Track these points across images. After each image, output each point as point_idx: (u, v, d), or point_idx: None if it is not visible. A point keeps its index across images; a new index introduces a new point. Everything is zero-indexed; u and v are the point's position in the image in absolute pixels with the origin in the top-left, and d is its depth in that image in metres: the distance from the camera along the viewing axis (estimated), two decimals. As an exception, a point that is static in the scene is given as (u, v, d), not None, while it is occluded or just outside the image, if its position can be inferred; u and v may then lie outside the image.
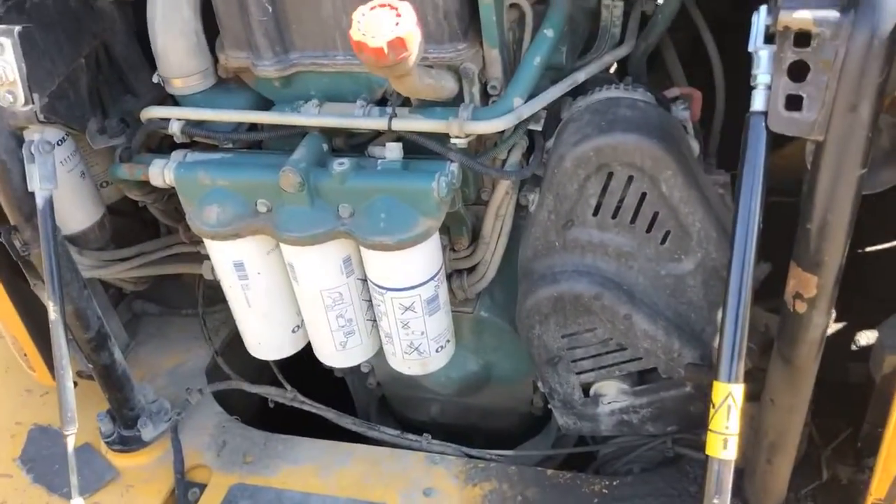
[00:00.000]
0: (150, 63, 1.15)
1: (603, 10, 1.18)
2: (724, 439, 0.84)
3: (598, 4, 1.18)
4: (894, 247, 1.44)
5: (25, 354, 1.37)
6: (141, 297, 1.64)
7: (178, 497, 1.27)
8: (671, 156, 1.01)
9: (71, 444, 1.09)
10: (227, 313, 1.36)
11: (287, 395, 1.45)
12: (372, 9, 0.80)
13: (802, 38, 0.76)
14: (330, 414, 1.45)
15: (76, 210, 1.25)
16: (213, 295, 1.50)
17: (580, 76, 1.11)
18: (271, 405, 1.48)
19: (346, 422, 1.43)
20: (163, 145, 1.26)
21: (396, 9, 0.80)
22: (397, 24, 0.79)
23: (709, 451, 0.85)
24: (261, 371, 1.48)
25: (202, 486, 1.29)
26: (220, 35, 1.10)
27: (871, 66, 0.73)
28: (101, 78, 1.18)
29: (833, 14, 0.74)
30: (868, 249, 1.47)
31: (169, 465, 1.31)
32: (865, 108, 0.76)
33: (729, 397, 0.85)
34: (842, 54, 0.74)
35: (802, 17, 0.75)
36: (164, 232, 1.45)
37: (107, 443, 1.33)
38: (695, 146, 1.13)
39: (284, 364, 1.41)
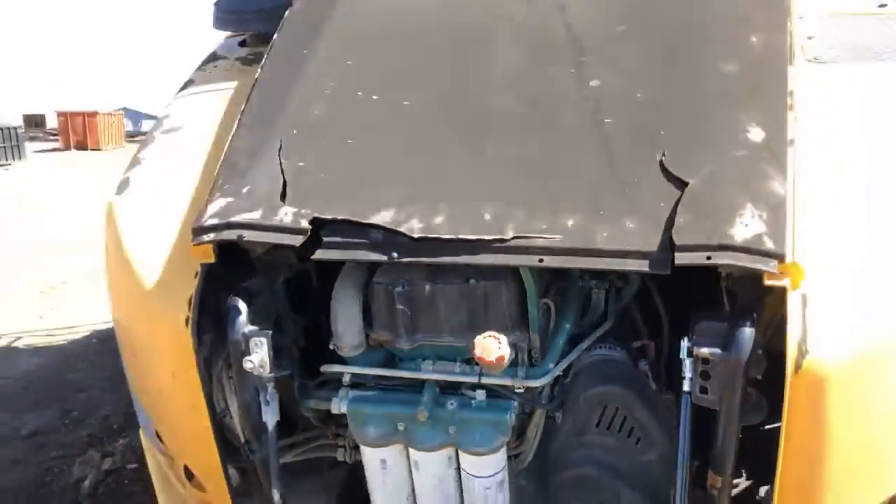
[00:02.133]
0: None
1: (593, 295, 1.98)
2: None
3: (589, 291, 1.98)
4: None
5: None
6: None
7: None
8: (636, 395, 1.78)
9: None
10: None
11: None
12: (485, 337, 1.57)
13: (706, 360, 1.55)
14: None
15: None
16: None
17: (583, 346, 1.89)
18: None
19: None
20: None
21: (498, 339, 1.57)
22: (499, 346, 1.56)
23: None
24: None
25: None
26: (374, 321, 1.83)
27: (739, 371, 1.51)
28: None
29: (718, 350, 1.53)
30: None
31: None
32: (739, 388, 1.54)
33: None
34: (724, 367, 1.53)
35: (704, 351, 1.54)
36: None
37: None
38: (649, 383, 1.91)
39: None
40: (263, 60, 2.18)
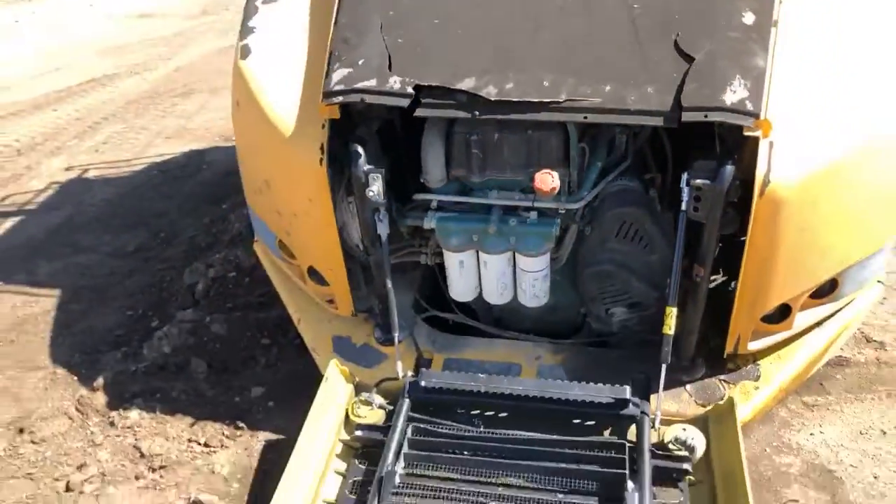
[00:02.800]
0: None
1: (616, 139, 2.59)
2: (669, 325, 2.31)
3: (614, 137, 2.59)
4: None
5: (331, 301, 2.77)
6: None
7: (421, 363, 2.68)
8: (647, 213, 2.46)
9: (396, 340, 2.52)
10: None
11: (458, 316, 2.89)
12: (542, 173, 2.22)
13: (699, 188, 2.20)
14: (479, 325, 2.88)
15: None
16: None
17: (609, 179, 2.53)
18: (450, 322, 2.91)
19: (490, 329, 2.88)
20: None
21: (551, 174, 2.22)
22: (552, 179, 2.22)
23: (664, 331, 2.33)
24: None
25: (429, 361, 2.72)
26: (453, 161, 2.46)
27: (721, 196, 2.17)
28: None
29: (707, 181, 2.18)
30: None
31: (412, 352, 2.73)
32: (720, 207, 2.20)
33: (671, 314, 2.32)
34: (712, 193, 2.19)
35: (697, 182, 2.19)
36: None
37: (379, 342, 2.75)
38: (656, 205, 2.58)
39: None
40: None
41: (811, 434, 2.71)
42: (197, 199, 5.39)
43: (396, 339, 2.56)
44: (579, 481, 2.22)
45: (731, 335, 2.47)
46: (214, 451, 2.64)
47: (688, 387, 2.55)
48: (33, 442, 2.77)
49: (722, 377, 2.58)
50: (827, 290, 2.55)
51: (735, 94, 2.10)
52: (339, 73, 2.34)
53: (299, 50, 2.64)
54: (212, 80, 8.41)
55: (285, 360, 3.15)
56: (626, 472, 2.16)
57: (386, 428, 2.40)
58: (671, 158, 2.61)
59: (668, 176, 2.65)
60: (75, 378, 3.10)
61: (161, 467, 2.58)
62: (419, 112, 2.29)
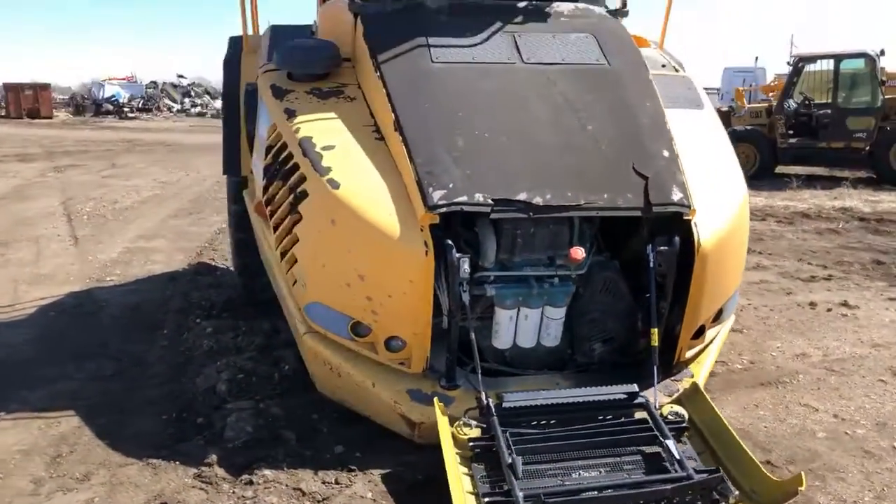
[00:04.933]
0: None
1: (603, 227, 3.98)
2: (655, 340, 3.65)
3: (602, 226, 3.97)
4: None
5: (401, 363, 3.69)
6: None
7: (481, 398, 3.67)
8: (618, 275, 3.85)
9: (480, 381, 3.54)
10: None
11: (494, 365, 3.94)
12: (576, 248, 3.53)
13: (660, 252, 3.65)
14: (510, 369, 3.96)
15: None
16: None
17: (599, 257, 3.89)
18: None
19: (515, 370, 3.96)
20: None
21: (581, 249, 3.54)
22: (582, 252, 3.53)
23: (652, 343, 3.65)
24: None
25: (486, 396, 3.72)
26: (501, 246, 3.65)
27: (674, 255, 3.64)
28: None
29: (666, 247, 3.64)
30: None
31: (471, 391, 3.71)
32: (674, 262, 3.66)
33: (656, 333, 3.66)
34: (669, 254, 3.65)
35: (660, 248, 3.64)
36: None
37: (444, 388, 3.69)
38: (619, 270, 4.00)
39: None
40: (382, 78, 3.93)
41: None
42: (125, 329, 5.76)
43: (480, 380, 3.55)
44: (625, 448, 3.38)
45: (679, 349, 3.88)
46: (347, 487, 3.35)
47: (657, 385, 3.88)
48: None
49: (672, 377, 3.95)
50: (716, 316, 4.10)
51: (676, 195, 3.62)
52: (437, 193, 3.45)
53: (371, 181, 3.68)
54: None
55: (342, 423, 3.91)
56: (658, 434, 3.39)
57: (489, 437, 3.36)
58: (643, 235, 4.02)
59: (626, 251, 4.08)
60: (176, 463, 3.56)
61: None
62: (494, 215, 3.48)
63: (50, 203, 12.21)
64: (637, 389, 3.61)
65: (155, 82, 56.79)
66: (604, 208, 3.56)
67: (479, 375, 3.54)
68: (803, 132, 15.50)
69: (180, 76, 61.54)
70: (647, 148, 3.82)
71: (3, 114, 40.53)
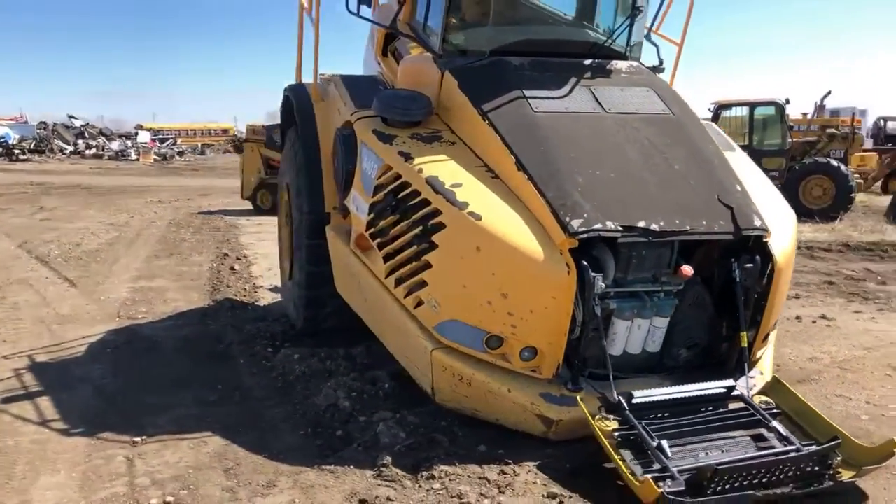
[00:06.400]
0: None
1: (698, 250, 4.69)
2: (745, 341, 4.37)
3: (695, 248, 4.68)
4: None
5: (533, 370, 4.23)
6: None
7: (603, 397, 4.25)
8: (704, 290, 4.58)
9: (612, 383, 4.14)
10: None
11: (612, 371, 4.53)
12: (684, 265, 4.23)
13: (745, 268, 4.40)
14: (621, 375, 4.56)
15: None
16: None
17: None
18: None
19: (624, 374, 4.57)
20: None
21: (689, 266, 4.24)
22: (691, 269, 4.24)
23: (742, 344, 4.37)
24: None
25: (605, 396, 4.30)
26: (618, 264, 4.29)
27: (757, 270, 4.41)
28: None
29: (749, 265, 4.41)
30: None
31: (594, 392, 4.29)
32: (757, 276, 4.43)
33: (745, 335, 4.38)
34: (753, 268, 4.41)
35: (746, 265, 4.40)
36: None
37: (571, 390, 4.26)
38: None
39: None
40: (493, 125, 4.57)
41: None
42: (194, 360, 6.01)
43: (612, 383, 4.14)
44: (734, 431, 4.05)
45: (753, 350, 4.61)
46: (515, 475, 3.85)
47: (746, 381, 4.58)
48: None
49: (748, 375, 4.67)
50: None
51: (757, 221, 4.39)
52: (576, 221, 4.06)
53: (506, 212, 4.26)
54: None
55: (470, 427, 4.39)
56: (760, 418, 4.08)
57: (628, 427, 3.95)
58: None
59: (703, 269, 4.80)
60: (349, 467, 3.94)
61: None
62: (623, 239, 4.13)
63: (6, 246, 11.94)
64: (734, 384, 4.30)
65: (45, 123, 54.77)
66: (705, 233, 4.27)
67: (612, 380, 4.14)
68: (725, 171, 17.06)
69: (72, 116, 59.64)
70: (723, 183, 4.58)
71: None
